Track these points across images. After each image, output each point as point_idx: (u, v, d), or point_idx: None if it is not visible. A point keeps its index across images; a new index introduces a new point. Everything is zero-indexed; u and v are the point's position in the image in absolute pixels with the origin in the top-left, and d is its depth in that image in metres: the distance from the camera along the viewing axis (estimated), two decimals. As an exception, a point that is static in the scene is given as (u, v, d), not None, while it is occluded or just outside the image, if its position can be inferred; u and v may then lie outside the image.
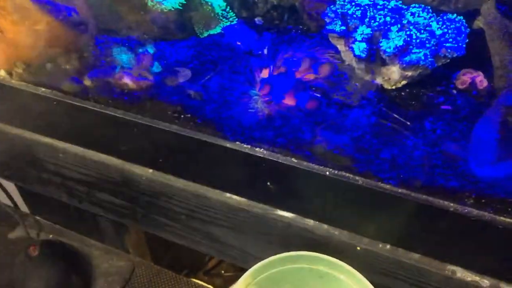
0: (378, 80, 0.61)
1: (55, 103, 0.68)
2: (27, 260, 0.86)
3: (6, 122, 0.79)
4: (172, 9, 0.67)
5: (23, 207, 1.17)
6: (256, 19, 0.75)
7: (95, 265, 0.92)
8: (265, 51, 0.68)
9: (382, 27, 0.56)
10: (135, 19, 0.67)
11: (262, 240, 0.67)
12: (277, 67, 0.65)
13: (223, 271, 1.33)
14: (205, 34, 0.72)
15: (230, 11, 0.73)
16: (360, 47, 0.55)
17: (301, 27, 0.73)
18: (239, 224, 0.67)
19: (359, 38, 0.55)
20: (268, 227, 0.65)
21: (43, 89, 0.69)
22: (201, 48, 0.69)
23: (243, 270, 0.53)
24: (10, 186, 1.10)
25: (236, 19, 0.73)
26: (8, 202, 1.05)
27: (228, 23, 0.72)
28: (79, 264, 0.90)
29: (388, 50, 0.55)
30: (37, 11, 0.65)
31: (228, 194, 0.66)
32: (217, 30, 0.72)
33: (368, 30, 0.55)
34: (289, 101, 0.62)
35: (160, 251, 1.15)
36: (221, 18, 0.71)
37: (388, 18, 0.56)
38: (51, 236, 0.97)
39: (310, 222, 0.62)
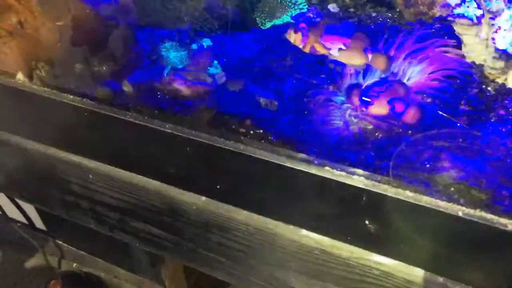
0: (513, 84, 0.46)
1: (85, 113, 0.58)
2: (48, 298, 0.75)
3: (25, 136, 0.69)
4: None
5: (40, 225, 1.05)
6: (330, 6, 0.61)
7: (126, 301, 0.80)
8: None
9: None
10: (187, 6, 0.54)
11: (346, 290, 0.54)
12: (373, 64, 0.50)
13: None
14: (268, 25, 0.59)
15: (300, -4, 0.59)
16: (507, 38, 0.40)
17: (391, 14, 0.59)
18: (315, 269, 0.56)
19: (505, 25, 0.40)
20: (357, 275, 0.53)
21: (71, 97, 0.58)
22: (270, 42, 0.54)
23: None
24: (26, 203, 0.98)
25: (307, 6, 0.59)
26: (23, 220, 0.92)
27: (298, 11, 0.58)
28: (108, 301, 0.78)
29: (547, 42, 0.40)
30: (65, -2, 0.52)
31: (304, 231, 0.55)
32: (284, 19, 0.58)
33: (521, 15, 0.40)
34: (393, 112, 0.46)
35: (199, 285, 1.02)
36: (288, 4, 0.58)
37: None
38: (74, 265, 0.85)
39: (420, 272, 0.48)
